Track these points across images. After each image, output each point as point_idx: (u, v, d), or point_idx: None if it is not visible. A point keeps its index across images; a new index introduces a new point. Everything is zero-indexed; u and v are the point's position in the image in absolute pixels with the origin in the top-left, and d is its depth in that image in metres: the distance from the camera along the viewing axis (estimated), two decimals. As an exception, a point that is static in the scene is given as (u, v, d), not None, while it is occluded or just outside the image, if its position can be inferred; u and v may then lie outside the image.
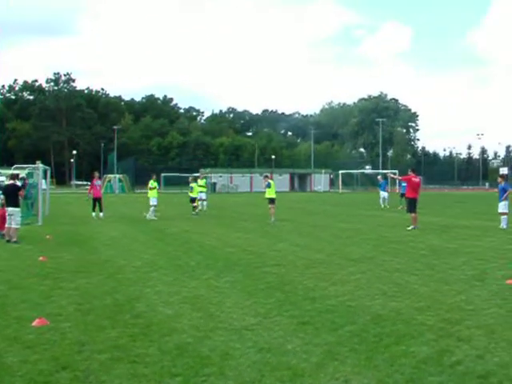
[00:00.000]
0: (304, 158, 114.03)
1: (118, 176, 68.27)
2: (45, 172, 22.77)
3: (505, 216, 17.10)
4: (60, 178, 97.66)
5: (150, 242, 14.22)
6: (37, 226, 18.08)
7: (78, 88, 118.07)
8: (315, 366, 4.71)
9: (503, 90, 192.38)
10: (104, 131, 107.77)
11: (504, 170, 68.10)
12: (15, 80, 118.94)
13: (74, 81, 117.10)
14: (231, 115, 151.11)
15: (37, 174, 20.78)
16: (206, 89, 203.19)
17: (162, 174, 66.51)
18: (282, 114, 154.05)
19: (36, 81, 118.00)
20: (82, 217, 22.52)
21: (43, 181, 22.28)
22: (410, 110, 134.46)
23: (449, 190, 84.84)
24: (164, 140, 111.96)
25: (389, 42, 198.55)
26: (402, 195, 25.37)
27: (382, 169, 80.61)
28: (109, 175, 68.37)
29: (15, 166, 22.48)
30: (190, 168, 76.11)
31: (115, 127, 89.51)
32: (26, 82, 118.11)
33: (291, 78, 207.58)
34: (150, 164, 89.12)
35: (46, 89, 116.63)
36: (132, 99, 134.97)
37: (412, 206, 17.20)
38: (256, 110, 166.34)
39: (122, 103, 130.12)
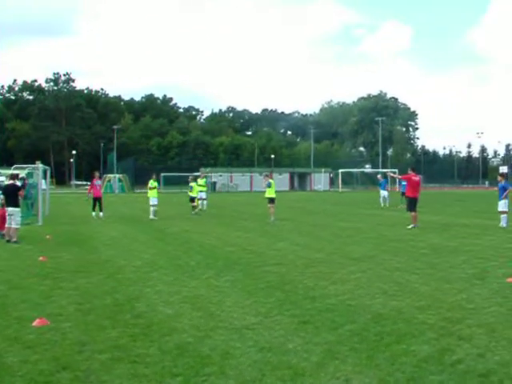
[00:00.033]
0: (304, 157, 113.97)
1: (117, 176, 68.24)
2: (44, 172, 22.75)
3: (505, 214, 17.10)
4: (60, 177, 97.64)
5: (150, 241, 14.22)
6: (37, 226, 18.08)
7: (77, 88, 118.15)
8: (316, 365, 4.71)
9: (503, 89, 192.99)
10: (103, 131, 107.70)
11: (504, 169, 67.94)
12: (15, 80, 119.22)
13: (73, 81, 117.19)
14: (231, 114, 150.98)
15: (36, 174, 20.75)
16: (206, 88, 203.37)
17: (162, 174, 66.51)
18: (282, 113, 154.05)
19: (35, 81, 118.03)
20: (82, 217, 22.52)
21: (43, 181, 22.25)
22: (409, 108, 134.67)
23: (449, 188, 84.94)
24: (164, 140, 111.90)
25: (389, 41, 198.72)
26: (403, 194, 25.36)
27: (382, 168, 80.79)
28: (108, 175, 68.29)
29: (15, 166, 22.48)
30: (190, 167, 75.99)
31: (115, 127, 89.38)
32: (25, 82, 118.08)
33: (291, 77, 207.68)
34: (149, 164, 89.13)
35: (46, 89, 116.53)
36: (131, 99, 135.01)
37: (412, 204, 17.19)
38: (256, 109, 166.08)
39: (122, 103, 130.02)
